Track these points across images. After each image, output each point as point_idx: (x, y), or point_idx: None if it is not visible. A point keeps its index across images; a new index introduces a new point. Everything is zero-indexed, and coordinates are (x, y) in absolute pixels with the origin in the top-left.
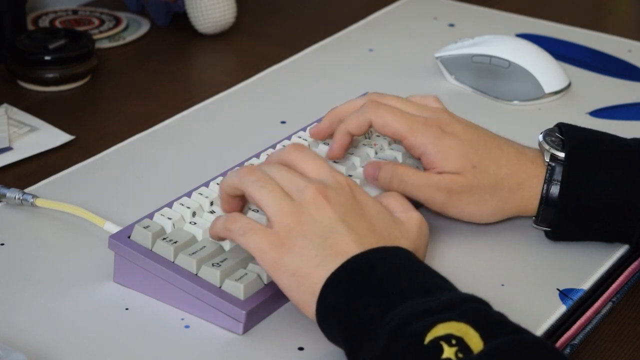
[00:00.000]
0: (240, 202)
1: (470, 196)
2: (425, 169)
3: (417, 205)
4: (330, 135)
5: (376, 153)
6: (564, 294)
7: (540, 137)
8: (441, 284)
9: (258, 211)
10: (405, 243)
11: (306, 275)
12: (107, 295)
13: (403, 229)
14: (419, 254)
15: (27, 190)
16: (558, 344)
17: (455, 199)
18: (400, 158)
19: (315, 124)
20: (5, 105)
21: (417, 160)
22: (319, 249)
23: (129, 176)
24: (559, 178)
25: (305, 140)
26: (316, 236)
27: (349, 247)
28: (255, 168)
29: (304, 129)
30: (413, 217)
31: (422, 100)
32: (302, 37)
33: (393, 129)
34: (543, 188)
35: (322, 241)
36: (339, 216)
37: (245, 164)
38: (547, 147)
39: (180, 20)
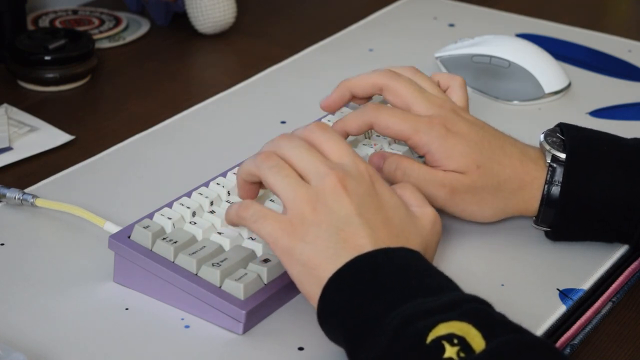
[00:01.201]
0: (257, 189)
1: (473, 196)
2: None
3: None
4: (341, 107)
5: None
6: (564, 294)
7: (542, 137)
8: (446, 285)
9: (274, 201)
10: (417, 240)
11: (316, 266)
12: (107, 295)
13: (418, 224)
14: (429, 250)
15: (27, 190)
16: (558, 344)
17: (457, 198)
18: None
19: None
20: (5, 105)
21: (421, 158)
22: (331, 241)
23: (129, 176)
24: (560, 179)
25: None
26: (330, 226)
27: (362, 242)
28: (272, 153)
29: None
30: (428, 213)
31: (448, 81)
32: (302, 37)
33: (396, 131)
34: (544, 189)
35: (336, 233)
36: (356, 208)
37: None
38: (548, 147)
39: (180, 20)
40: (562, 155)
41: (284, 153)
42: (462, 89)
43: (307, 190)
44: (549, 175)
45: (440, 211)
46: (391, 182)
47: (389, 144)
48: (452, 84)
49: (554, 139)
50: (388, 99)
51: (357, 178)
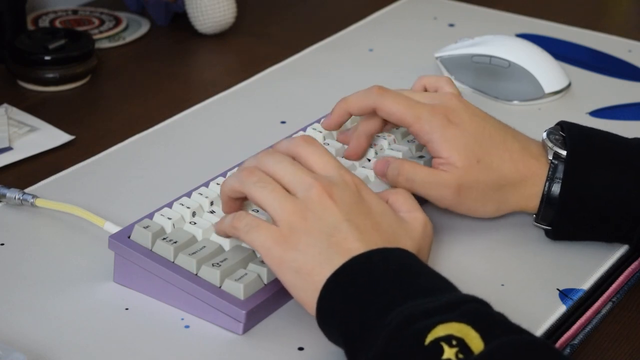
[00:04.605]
0: (241, 204)
1: (476, 192)
2: (432, 157)
3: (422, 201)
4: (340, 126)
5: (376, 153)
6: (564, 294)
7: (544, 135)
8: (442, 286)
9: (258, 211)
10: (409, 243)
11: (310, 272)
12: (107, 295)
13: (407, 228)
14: (422, 254)
15: (27, 190)
16: (558, 344)
17: (462, 196)
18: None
19: (322, 120)
20: (5, 105)
21: (420, 159)
22: (323, 247)
23: (129, 176)
24: (561, 176)
25: None
26: (321, 233)
27: (354, 246)
28: (255, 169)
29: (304, 129)
30: (418, 217)
31: (435, 83)
32: (302, 37)
33: (398, 117)
34: (545, 186)
35: (327, 239)
36: (344, 214)
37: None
38: (550, 145)
39: (180, 20)
40: (564, 152)
41: (268, 168)
42: (451, 86)
43: (295, 202)
44: (550, 172)
45: (442, 210)
46: (395, 187)
47: (389, 144)
48: (440, 85)
49: (557, 136)
50: (384, 117)
51: (343, 187)
